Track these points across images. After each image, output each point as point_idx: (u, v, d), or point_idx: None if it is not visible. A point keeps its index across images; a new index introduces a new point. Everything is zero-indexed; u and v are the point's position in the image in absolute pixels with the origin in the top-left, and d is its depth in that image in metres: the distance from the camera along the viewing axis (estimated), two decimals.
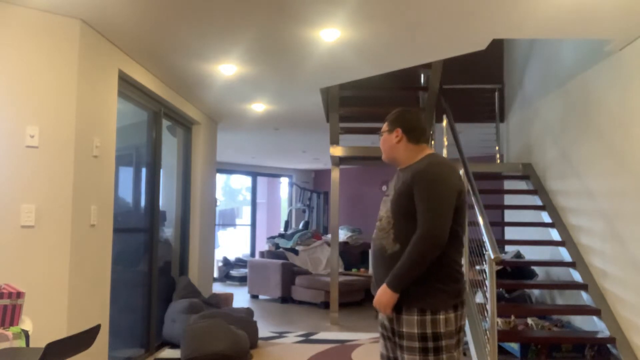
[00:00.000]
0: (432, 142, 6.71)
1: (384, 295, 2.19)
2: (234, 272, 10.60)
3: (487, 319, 3.87)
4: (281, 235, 9.52)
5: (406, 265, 2.15)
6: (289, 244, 9.14)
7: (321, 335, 5.91)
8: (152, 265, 4.85)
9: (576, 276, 4.93)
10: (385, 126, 2.45)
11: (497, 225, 5.57)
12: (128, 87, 4.26)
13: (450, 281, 2.20)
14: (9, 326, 2.32)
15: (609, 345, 4.53)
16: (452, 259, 2.22)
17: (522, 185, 6.50)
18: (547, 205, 5.62)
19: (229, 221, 14.25)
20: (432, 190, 2.17)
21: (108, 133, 3.74)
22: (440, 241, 2.14)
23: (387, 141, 2.43)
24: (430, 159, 2.29)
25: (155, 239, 4.89)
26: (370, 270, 2.54)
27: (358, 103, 7.22)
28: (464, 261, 4.67)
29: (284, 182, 13.03)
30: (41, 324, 3.13)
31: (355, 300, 8.15)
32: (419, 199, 2.18)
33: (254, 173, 12.05)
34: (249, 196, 12.29)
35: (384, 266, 2.27)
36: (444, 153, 6.15)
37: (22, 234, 3.10)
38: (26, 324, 2.43)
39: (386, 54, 4.11)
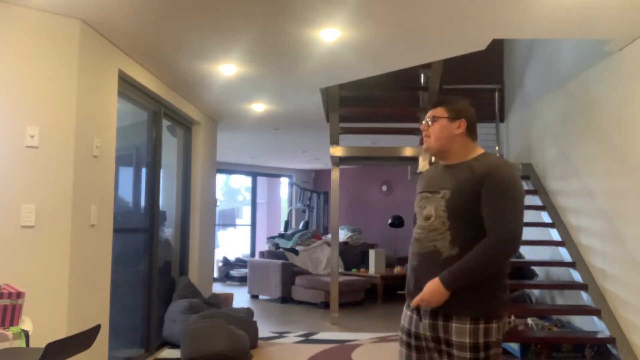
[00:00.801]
0: None
1: (436, 291, 2.03)
2: (234, 272, 10.60)
3: None
4: (281, 235, 9.52)
5: (470, 267, 2.00)
6: (289, 244, 9.14)
7: (321, 336, 5.91)
8: (152, 265, 4.85)
9: (576, 276, 4.93)
10: (443, 111, 2.20)
11: None
12: (128, 87, 4.26)
13: (501, 289, 2.09)
14: (9, 326, 2.32)
15: (609, 346, 4.53)
16: (505, 267, 2.11)
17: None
18: (547, 205, 5.62)
19: (229, 221, 14.26)
20: (511, 193, 2.03)
21: (108, 133, 3.74)
22: (515, 248, 2.02)
23: (447, 129, 2.18)
24: (496, 158, 2.13)
25: (155, 239, 4.89)
26: (408, 271, 2.35)
27: (358, 103, 7.22)
28: None
29: (284, 182, 13.03)
30: (41, 324, 3.13)
31: (356, 300, 8.15)
32: (493, 202, 2.03)
33: (254, 173, 12.05)
34: (248, 196, 12.30)
35: (437, 270, 2.07)
36: None
37: (22, 234, 3.10)
38: (26, 324, 2.43)
39: (386, 54, 4.11)
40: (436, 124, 2.20)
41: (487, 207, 2.04)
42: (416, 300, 2.07)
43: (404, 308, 2.26)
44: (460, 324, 2.04)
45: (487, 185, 2.04)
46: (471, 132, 2.20)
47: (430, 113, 2.24)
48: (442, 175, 2.20)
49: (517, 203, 2.03)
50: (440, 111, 2.21)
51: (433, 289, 2.04)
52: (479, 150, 2.20)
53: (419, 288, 2.14)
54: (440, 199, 2.13)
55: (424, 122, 2.26)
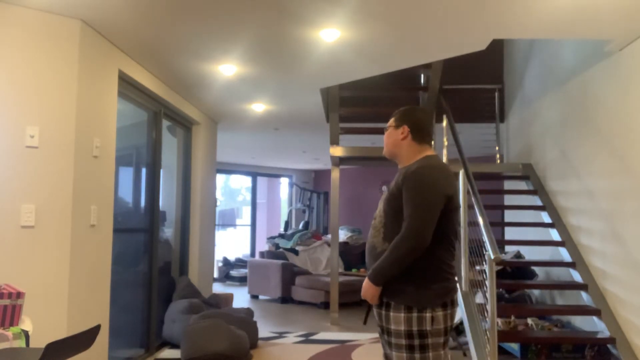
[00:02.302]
0: (433, 143, 6.71)
1: (367, 287, 2.27)
2: (234, 272, 10.60)
3: (487, 319, 3.87)
4: (281, 236, 9.52)
5: (386, 262, 2.20)
6: (289, 244, 9.14)
7: (321, 336, 5.91)
8: (152, 265, 4.85)
9: (576, 276, 4.93)
10: (392, 121, 2.44)
11: (497, 225, 5.56)
12: (128, 87, 4.26)
13: (437, 280, 2.22)
14: (9, 326, 2.32)
15: (609, 346, 4.53)
16: (441, 259, 2.24)
17: (522, 185, 6.50)
18: (547, 206, 5.62)
19: (229, 221, 14.25)
20: (418, 194, 2.19)
21: (108, 133, 3.74)
22: (419, 245, 2.16)
23: (392, 136, 2.42)
24: (423, 161, 2.30)
25: (155, 239, 4.89)
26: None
27: (358, 103, 7.22)
28: (463, 261, 4.67)
29: (284, 182, 13.03)
30: (41, 324, 3.13)
31: (356, 300, 8.15)
32: (405, 201, 2.21)
33: (254, 173, 12.05)
34: (248, 196, 12.29)
35: (373, 263, 2.31)
36: (444, 153, 6.16)
37: (22, 234, 3.10)
38: (26, 324, 2.43)
39: (386, 54, 4.11)
40: (387, 132, 2.45)
41: (404, 207, 2.24)
42: (362, 295, 2.33)
43: None
44: (396, 313, 2.21)
45: (403, 187, 2.24)
46: (417, 137, 2.38)
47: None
48: (395, 177, 2.41)
49: (422, 205, 2.18)
50: (391, 120, 2.45)
51: (364, 286, 2.29)
52: (425, 153, 2.37)
53: None
54: (383, 200, 2.37)
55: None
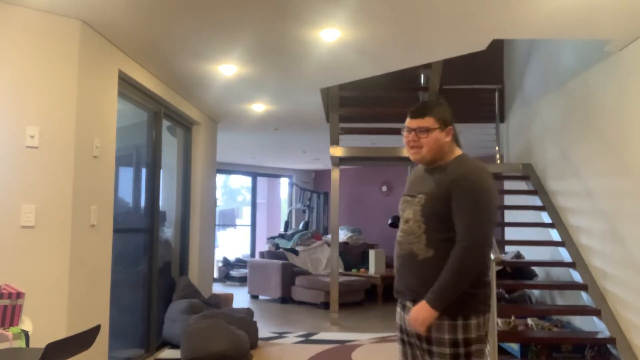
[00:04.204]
0: None
1: (423, 312, 2.06)
2: (234, 273, 10.60)
3: None
4: (281, 236, 9.52)
5: (450, 282, 2.03)
6: (289, 245, 9.14)
7: (321, 336, 5.91)
8: (152, 265, 4.85)
9: (576, 276, 4.93)
10: (434, 122, 2.17)
11: (497, 225, 5.56)
12: (128, 87, 4.26)
13: (481, 286, 2.10)
14: (9, 326, 2.32)
15: (609, 346, 4.53)
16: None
17: (522, 185, 6.50)
18: (547, 206, 5.62)
19: (229, 221, 14.25)
20: (479, 201, 2.04)
21: (108, 133, 3.74)
22: (486, 254, 2.04)
23: (439, 140, 2.17)
24: (468, 163, 2.15)
25: (155, 239, 4.89)
26: (394, 272, 2.34)
27: (358, 103, 7.22)
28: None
29: (284, 182, 13.03)
30: (41, 324, 3.13)
31: (356, 300, 8.15)
32: (462, 208, 2.05)
33: (254, 173, 12.05)
34: (248, 196, 12.29)
35: (414, 272, 2.14)
36: None
37: (22, 234, 3.10)
38: (26, 324, 2.43)
39: (386, 54, 4.11)
40: (430, 136, 2.17)
41: (455, 215, 2.08)
42: (409, 320, 2.12)
43: (397, 306, 2.33)
44: (439, 321, 2.07)
45: (455, 193, 2.07)
46: (454, 136, 2.23)
47: (418, 123, 2.19)
48: (422, 179, 2.25)
49: (483, 210, 2.05)
50: (430, 122, 2.17)
51: (421, 311, 2.07)
52: (457, 152, 2.23)
53: (402, 288, 2.21)
54: (417, 203, 2.18)
55: (409, 132, 2.21)
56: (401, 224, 2.25)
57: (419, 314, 2.07)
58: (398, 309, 2.30)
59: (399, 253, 2.23)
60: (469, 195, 2.06)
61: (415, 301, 2.15)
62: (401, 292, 2.23)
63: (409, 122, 2.22)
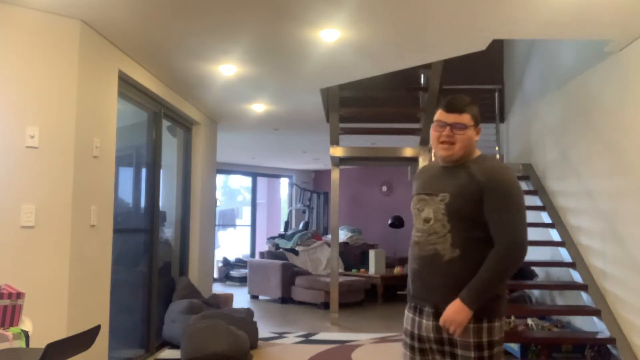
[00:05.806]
0: None
1: (459, 313, 1.99)
2: (234, 273, 10.60)
3: None
4: (281, 236, 9.52)
5: (489, 279, 1.98)
6: (289, 245, 9.14)
7: (321, 336, 5.91)
8: (152, 265, 4.85)
9: (576, 277, 4.93)
10: (470, 119, 2.11)
11: None
12: (128, 87, 4.26)
13: (504, 288, 2.09)
14: (9, 327, 2.32)
15: (609, 346, 4.53)
16: None
17: (522, 185, 6.50)
18: (547, 206, 5.62)
19: (229, 221, 14.25)
20: (515, 199, 2.03)
21: (108, 133, 3.74)
22: (523, 254, 2.03)
23: (472, 138, 2.12)
24: (495, 162, 2.11)
25: (155, 240, 4.89)
26: (410, 275, 2.22)
27: (358, 103, 7.22)
28: None
29: (284, 182, 13.03)
30: (41, 324, 3.13)
31: (356, 300, 8.15)
32: (497, 210, 2.02)
33: (254, 173, 12.05)
34: (248, 196, 12.29)
35: (439, 273, 2.07)
36: None
37: (22, 234, 3.10)
38: (26, 324, 2.43)
39: (386, 54, 4.11)
40: (465, 133, 2.10)
41: (491, 214, 2.03)
42: (442, 321, 2.04)
43: (406, 311, 2.23)
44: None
45: (490, 193, 2.03)
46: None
47: (455, 119, 2.11)
48: (440, 176, 2.17)
49: (520, 208, 2.04)
50: (467, 118, 2.11)
51: (457, 311, 2.00)
52: (477, 152, 2.18)
53: (422, 291, 2.13)
54: (439, 202, 2.10)
55: (442, 127, 2.12)
56: (418, 224, 2.16)
57: (457, 315, 2.00)
58: (410, 314, 2.18)
59: (418, 254, 2.13)
60: (507, 194, 2.03)
61: (437, 306, 2.07)
62: (420, 297, 2.14)
63: (444, 116, 2.11)
